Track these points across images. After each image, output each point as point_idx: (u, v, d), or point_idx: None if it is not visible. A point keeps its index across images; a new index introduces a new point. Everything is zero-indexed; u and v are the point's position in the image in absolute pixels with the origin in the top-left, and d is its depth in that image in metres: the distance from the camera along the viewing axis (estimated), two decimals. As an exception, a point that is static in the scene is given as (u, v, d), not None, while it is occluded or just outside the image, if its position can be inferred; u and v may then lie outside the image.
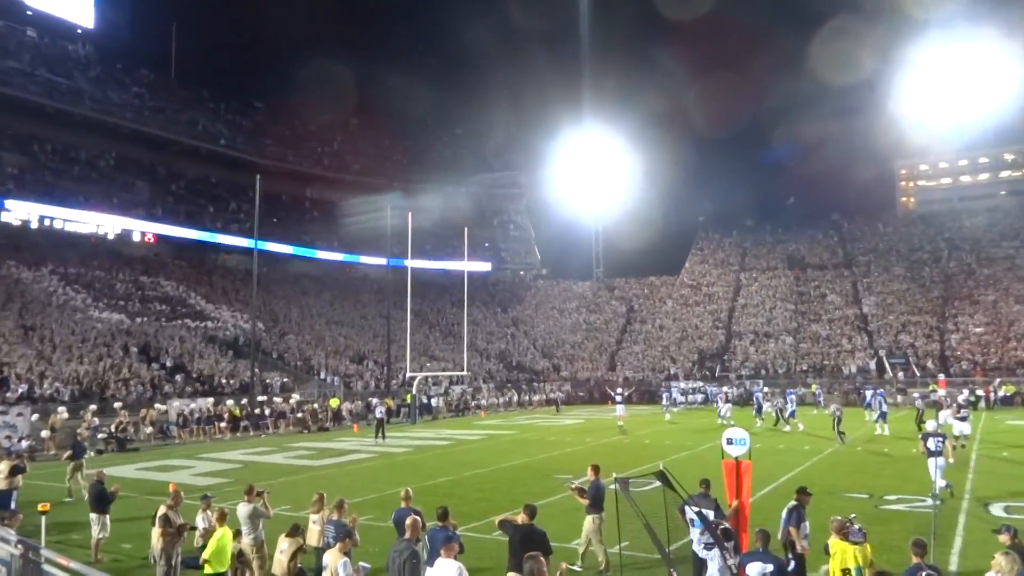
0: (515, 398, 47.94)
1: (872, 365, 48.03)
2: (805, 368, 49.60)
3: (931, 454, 14.31)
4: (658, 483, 9.47)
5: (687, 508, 8.84)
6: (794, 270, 65.29)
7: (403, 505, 9.20)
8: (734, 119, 75.33)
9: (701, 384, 48.40)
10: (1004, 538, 7.27)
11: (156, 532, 9.56)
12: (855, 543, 7.37)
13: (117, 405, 28.51)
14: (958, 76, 63.05)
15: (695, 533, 8.68)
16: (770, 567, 7.11)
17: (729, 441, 9.56)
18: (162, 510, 9.68)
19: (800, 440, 25.64)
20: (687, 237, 75.95)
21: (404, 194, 66.84)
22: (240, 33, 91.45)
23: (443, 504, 8.58)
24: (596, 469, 10.68)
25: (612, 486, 9.68)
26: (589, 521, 10.23)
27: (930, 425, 17.08)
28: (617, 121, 70.93)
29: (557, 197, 72.78)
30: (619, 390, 35.62)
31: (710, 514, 8.57)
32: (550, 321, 66.36)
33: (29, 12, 52.38)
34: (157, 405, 30.49)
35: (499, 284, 72.23)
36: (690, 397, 46.42)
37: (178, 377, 35.33)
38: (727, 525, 8.64)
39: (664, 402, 40.01)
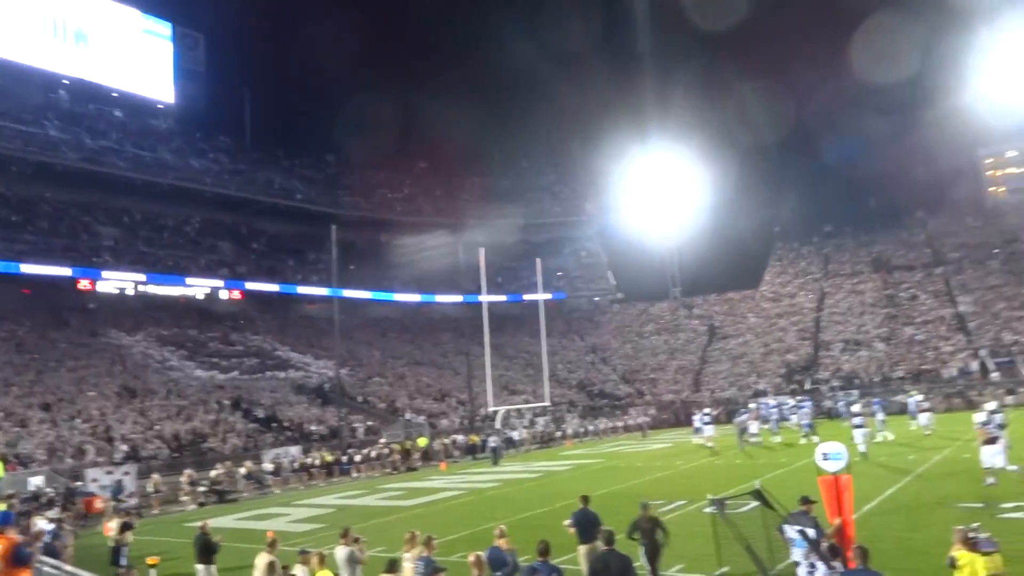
0: (601, 426, 47.37)
1: (974, 367, 45.50)
2: (902, 375, 47.36)
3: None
4: (755, 503, 9.18)
5: (786, 527, 8.53)
6: (880, 273, 62.77)
7: (496, 543, 9.03)
8: (801, 122, 72.86)
9: (798, 399, 46.44)
10: None
11: (259, 579, 9.79)
12: (986, 553, 6.90)
13: (218, 463, 29.49)
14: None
15: (798, 553, 8.35)
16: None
17: (825, 456, 9.21)
18: (267, 558, 9.93)
19: (903, 451, 24.42)
20: (764, 248, 74.05)
21: (475, 230, 67.57)
22: (306, 92, 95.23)
23: (539, 538, 8.52)
24: (585, 499, 10.78)
25: (708, 508, 9.42)
26: (582, 551, 10.16)
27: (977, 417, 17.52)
28: (682, 136, 69.92)
29: (628, 219, 72.14)
30: (706, 410, 34.68)
31: (811, 532, 8.23)
32: (629, 345, 65.56)
33: (115, 94, 56.11)
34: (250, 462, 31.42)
35: (575, 312, 71.97)
36: (785, 412, 44.57)
37: (270, 427, 36.41)
38: (832, 543, 8.29)
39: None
